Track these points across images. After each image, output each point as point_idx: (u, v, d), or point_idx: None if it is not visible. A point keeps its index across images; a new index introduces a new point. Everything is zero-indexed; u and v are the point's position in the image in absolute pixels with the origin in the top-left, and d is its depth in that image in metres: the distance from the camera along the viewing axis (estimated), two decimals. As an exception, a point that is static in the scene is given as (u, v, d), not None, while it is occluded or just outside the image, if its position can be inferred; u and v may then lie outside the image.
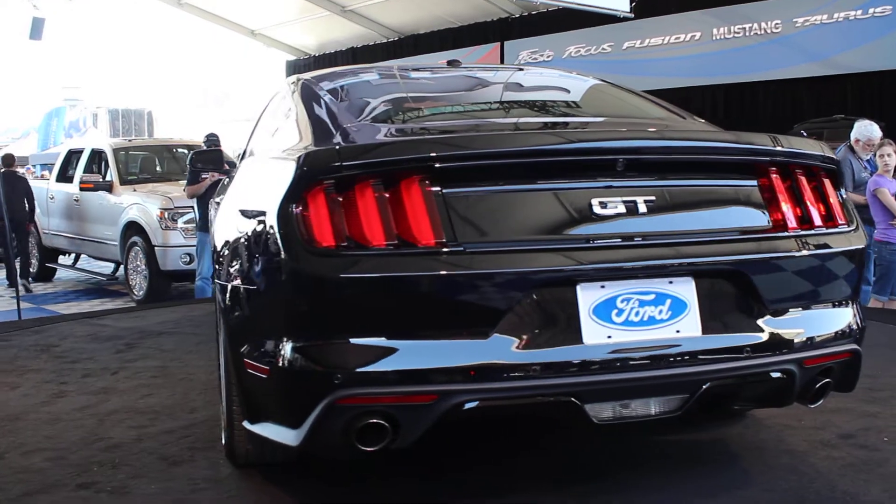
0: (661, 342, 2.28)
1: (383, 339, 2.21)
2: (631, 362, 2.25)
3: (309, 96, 3.11)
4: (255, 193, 2.61)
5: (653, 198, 2.35)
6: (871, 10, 11.68)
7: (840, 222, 2.59)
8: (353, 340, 2.22)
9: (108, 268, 10.35)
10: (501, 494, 2.71)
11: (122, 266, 9.06)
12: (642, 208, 2.32)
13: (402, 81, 3.42)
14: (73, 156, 10.49)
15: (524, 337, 2.22)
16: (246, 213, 2.60)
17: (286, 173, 2.30)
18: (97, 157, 9.85)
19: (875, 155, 6.37)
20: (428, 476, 2.90)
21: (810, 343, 2.47)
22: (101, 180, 9.20)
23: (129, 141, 11.42)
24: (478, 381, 2.20)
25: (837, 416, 3.43)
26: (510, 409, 2.30)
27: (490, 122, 2.90)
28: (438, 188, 2.24)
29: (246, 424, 2.57)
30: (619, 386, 2.27)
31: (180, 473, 2.95)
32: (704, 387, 2.33)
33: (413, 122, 2.89)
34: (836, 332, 2.54)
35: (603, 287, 2.26)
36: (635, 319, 2.27)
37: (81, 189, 9.31)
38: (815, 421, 3.37)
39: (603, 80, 3.60)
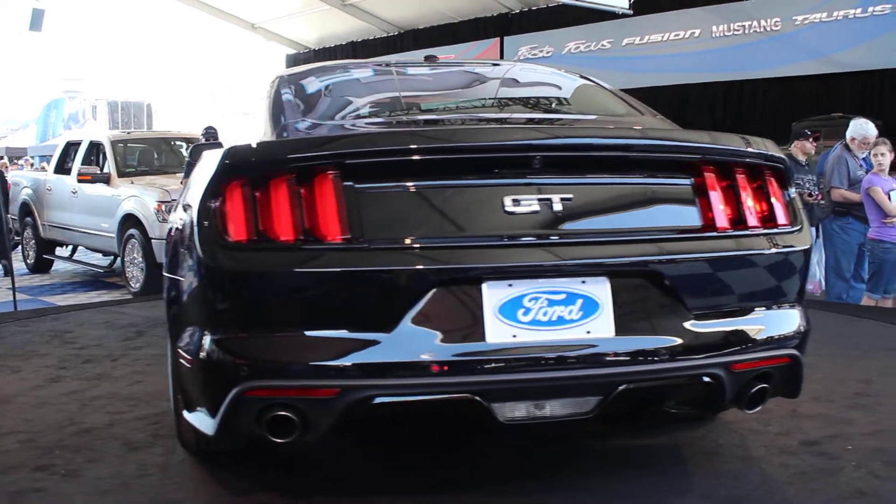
0: (570, 343, 2.24)
1: (289, 332, 2.25)
2: (536, 362, 2.23)
3: (277, 93, 3.15)
4: (191, 188, 2.67)
5: (570, 196, 2.32)
6: (870, 9, 11.50)
7: (781, 223, 2.51)
8: (260, 333, 2.26)
9: (105, 260, 10.43)
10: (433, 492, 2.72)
11: (118, 258, 9.04)
12: (558, 206, 2.29)
13: (368, 79, 3.44)
14: (71, 148, 10.37)
15: (428, 334, 2.22)
16: (184, 207, 2.66)
17: (211, 169, 2.35)
18: (95, 149, 9.74)
19: (870, 153, 6.30)
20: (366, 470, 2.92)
21: (739, 347, 2.41)
22: (98, 172, 9.09)
23: (128, 133, 11.31)
24: (380, 377, 2.21)
25: (809, 421, 3.33)
26: (415, 407, 2.30)
27: (430, 118, 2.89)
28: (350, 185, 2.26)
29: (184, 413, 2.64)
30: (525, 386, 2.25)
31: (135, 459, 3.03)
32: (620, 389, 2.29)
33: (357, 118, 2.90)
34: (771, 337, 2.47)
35: (510, 286, 2.24)
36: (543, 319, 2.24)
37: (79, 181, 9.21)
38: (783, 426, 3.28)
39: (581, 77, 3.55)
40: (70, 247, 10.76)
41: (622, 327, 2.28)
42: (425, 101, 3.10)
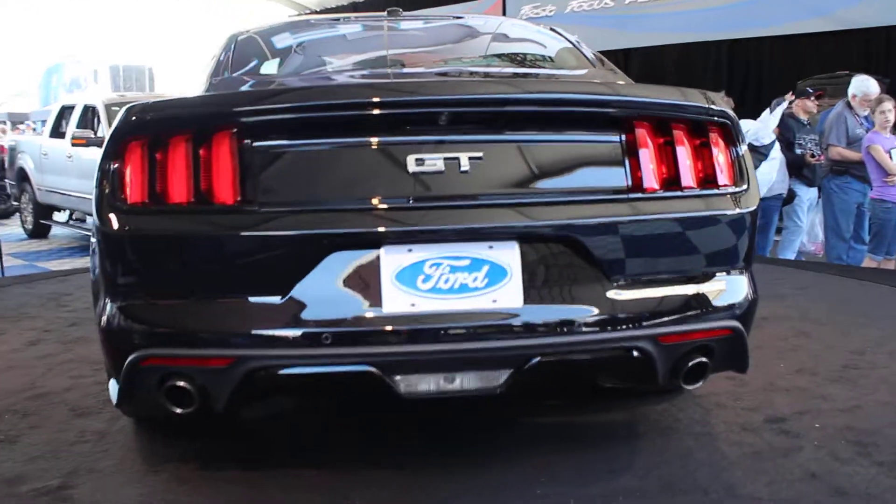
0: (472, 312, 2.10)
1: (181, 299, 2.15)
2: (436, 333, 2.09)
3: (221, 50, 3.04)
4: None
5: (479, 154, 2.16)
6: (877, -37, 10.84)
7: (723, 183, 2.31)
8: (154, 300, 2.17)
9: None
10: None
11: None
12: (465, 166, 2.14)
13: (317, 35, 3.30)
14: (65, 111, 10.13)
15: (322, 302, 2.10)
16: None
17: (112, 128, 2.26)
18: (89, 112, 9.50)
19: (874, 111, 6.03)
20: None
21: (668, 319, 2.23)
22: (93, 136, 8.72)
23: (122, 96, 10.98)
24: (272, 347, 2.10)
25: (783, 396, 3.14)
26: (312, 379, 2.18)
27: (351, 74, 2.74)
28: (247, 144, 2.14)
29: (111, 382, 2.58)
30: (425, 359, 2.12)
31: (78, 426, 2.99)
32: (532, 362, 2.14)
33: (284, 76, 2.77)
34: (707, 307, 2.29)
35: (410, 251, 2.10)
36: (444, 287, 2.10)
37: (73, 145, 8.90)
38: (753, 400, 3.09)
39: (548, 31, 3.36)
40: (67, 211, 10.52)
41: (532, 296, 2.13)
42: (359, 58, 2.94)
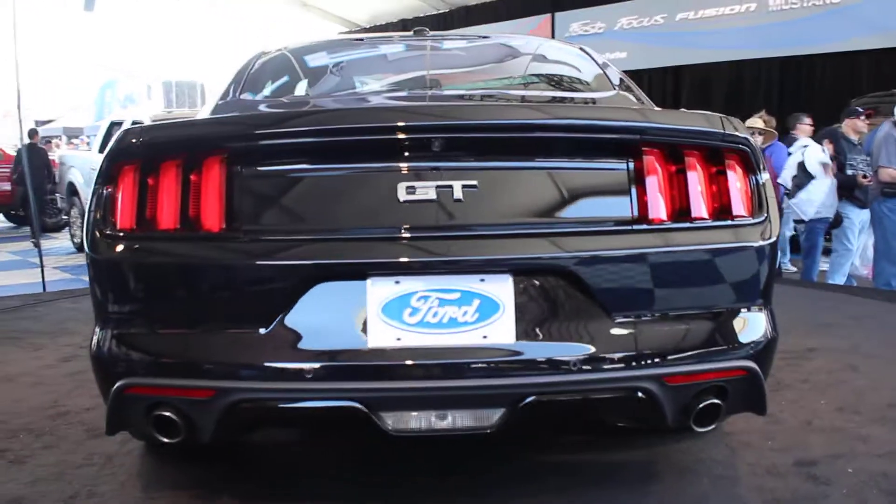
0: (461, 348, 2.00)
1: (164, 328, 2.11)
2: (422, 370, 2.00)
3: (239, 71, 3.02)
4: None
5: (474, 183, 2.06)
6: (935, -20, 10.27)
7: (739, 213, 2.17)
8: (139, 329, 2.14)
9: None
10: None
11: None
12: (458, 194, 2.04)
13: (335, 55, 3.25)
14: (114, 127, 10.07)
15: (307, 334, 2.03)
16: None
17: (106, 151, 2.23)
18: None
19: None
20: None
21: (675, 359, 2.10)
22: None
23: (169, 112, 11.08)
24: (255, 379, 2.04)
25: (818, 436, 2.96)
26: (297, 413, 2.11)
27: (357, 98, 2.68)
28: (234, 171, 2.09)
29: None
30: (411, 395, 2.03)
31: (88, 447, 2.98)
32: (527, 401, 2.03)
33: (279, 98, 2.72)
34: (718, 347, 2.15)
35: (398, 283, 2.02)
36: (432, 321, 2.01)
37: None
38: (785, 440, 2.91)
39: (580, 50, 3.25)
40: None
41: (525, 332, 2.02)
42: (372, 80, 2.88)
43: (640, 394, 2.08)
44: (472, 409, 2.07)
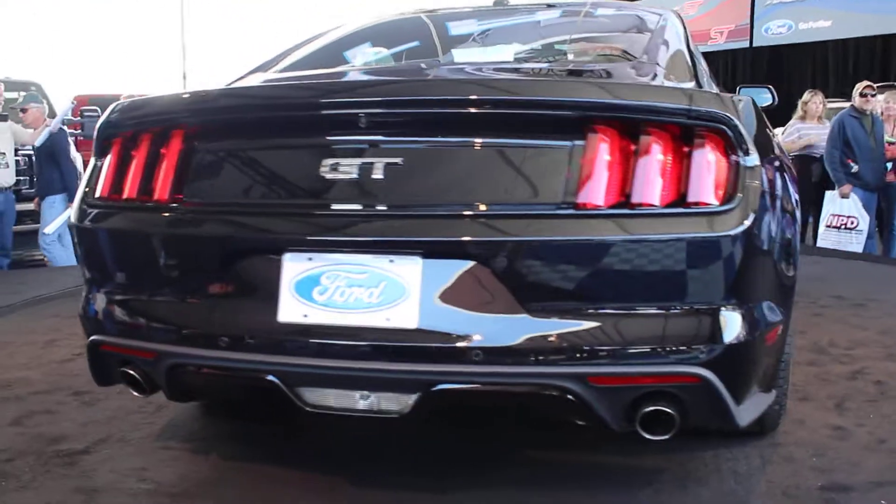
0: (362, 329, 1.96)
1: (121, 292, 2.26)
2: (324, 348, 1.98)
3: (295, 45, 3.13)
4: None
5: (399, 160, 1.99)
6: None
7: (702, 201, 1.91)
8: (102, 291, 2.30)
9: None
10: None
11: None
12: (381, 172, 1.99)
13: (383, 28, 3.24)
14: None
15: (229, 305, 2.10)
16: None
17: None
18: None
19: None
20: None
21: (600, 358, 1.91)
22: None
23: None
24: (185, 345, 2.13)
25: (883, 459, 2.55)
26: (228, 382, 2.18)
27: (338, 73, 2.64)
28: (190, 145, 2.20)
29: None
30: (316, 373, 2.01)
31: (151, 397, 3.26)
32: (439, 388, 1.95)
33: (280, 73, 2.75)
34: (659, 349, 1.92)
35: (310, 259, 2.01)
36: (339, 300, 1.98)
37: None
38: (836, 459, 2.55)
39: (636, 17, 3.00)
40: None
41: (430, 318, 1.93)
42: (380, 55, 2.83)
43: (559, 392, 1.92)
44: (384, 392, 2.02)
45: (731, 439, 2.65)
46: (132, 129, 2.26)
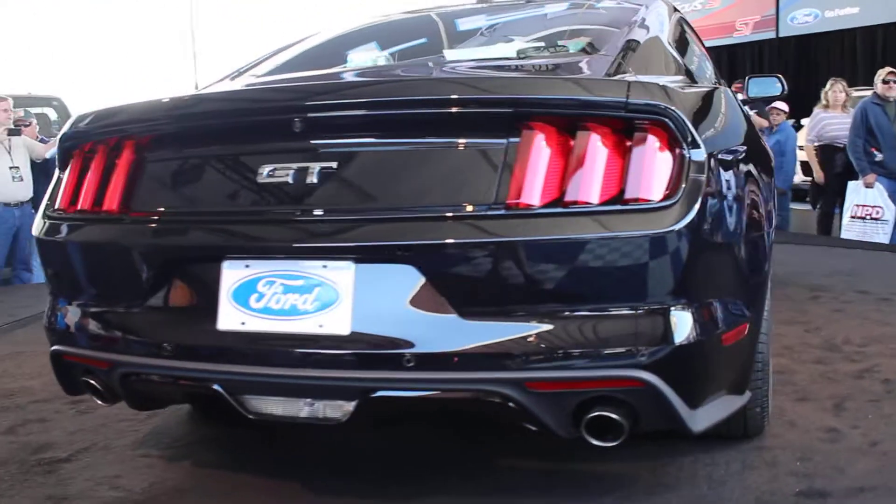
0: (297, 336, 1.93)
1: (76, 302, 2.29)
2: (265, 356, 1.96)
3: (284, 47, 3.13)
4: None
5: (334, 165, 1.97)
6: None
7: (636, 197, 1.85)
8: (61, 300, 2.33)
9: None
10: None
11: None
12: (316, 177, 1.96)
13: (372, 28, 3.22)
14: None
15: (172, 314, 2.11)
16: None
17: None
18: None
19: None
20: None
21: (539, 363, 1.85)
22: None
23: None
24: (136, 354, 2.13)
25: (872, 463, 2.43)
26: (177, 391, 2.18)
27: (308, 76, 2.61)
28: (137, 155, 2.21)
29: None
30: (260, 381, 1.99)
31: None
32: (378, 395, 1.92)
33: (261, 75, 2.74)
34: (598, 352, 1.85)
35: (247, 266, 1.99)
36: (275, 307, 1.96)
37: None
38: (826, 462, 2.45)
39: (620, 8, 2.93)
40: None
41: (363, 323, 1.90)
42: (355, 58, 2.79)
43: (498, 398, 1.87)
44: (320, 399, 1.99)
45: (715, 443, 2.56)
46: (88, 140, 2.28)
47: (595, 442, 1.95)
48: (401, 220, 1.90)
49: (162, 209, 2.13)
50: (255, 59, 2.97)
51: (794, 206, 8.51)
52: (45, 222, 2.31)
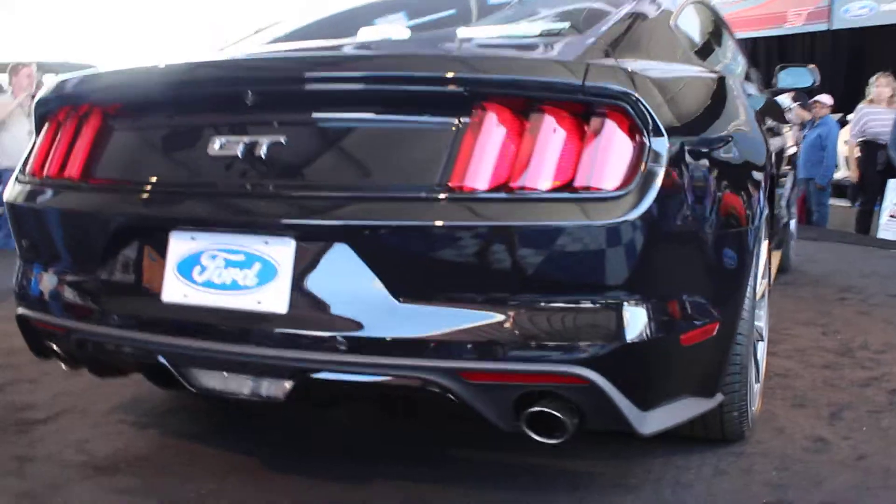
0: (235, 312, 1.89)
1: (36, 266, 2.28)
2: (205, 330, 1.93)
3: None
4: None
5: (282, 139, 1.91)
6: None
7: (594, 186, 1.75)
8: (26, 265, 2.33)
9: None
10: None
11: None
12: (263, 151, 1.91)
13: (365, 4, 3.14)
14: None
15: (124, 283, 2.08)
16: None
17: None
18: None
19: None
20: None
21: (476, 353, 1.77)
22: None
23: None
24: (88, 322, 2.12)
25: (851, 476, 2.30)
26: (129, 360, 2.16)
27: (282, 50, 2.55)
28: (99, 123, 2.20)
29: None
30: (201, 356, 1.96)
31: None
32: (312, 376, 1.88)
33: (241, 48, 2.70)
34: (542, 346, 1.77)
35: (193, 239, 1.96)
36: (217, 281, 1.92)
37: None
38: (802, 473, 2.32)
39: None
40: None
41: (299, 303, 1.85)
42: (343, 29, 2.71)
43: (433, 387, 1.80)
44: (258, 377, 1.95)
45: (695, 446, 2.46)
46: (59, 106, 2.26)
47: (538, 438, 1.87)
48: (341, 199, 1.84)
49: (118, 178, 2.11)
50: (258, 29, 2.93)
51: (834, 202, 8.21)
52: (15, 187, 2.31)
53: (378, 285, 1.80)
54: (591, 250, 1.73)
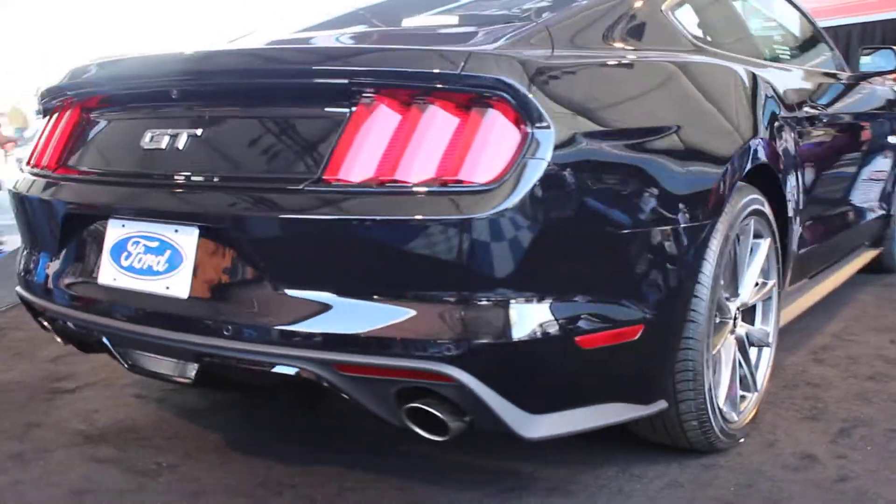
0: (148, 296, 2.01)
1: (26, 249, 2.49)
2: (128, 312, 2.06)
3: None
4: None
5: (199, 132, 2.01)
6: None
7: (465, 179, 1.71)
8: (23, 246, 2.55)
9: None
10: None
11: None
12: (182, 143, 2.02)
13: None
14: None
15: (72, 266, 2.26)
16: None
17: None
18: None
19: None
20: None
21: (345, 345, 1.78)
22: None
23: None
24: (53, 302, 2.30)
25: (808, 495, 2.11)
26: (85, 340, 2.31)
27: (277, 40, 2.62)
28: (72, 115, 2.37)
29: None
30: (128, 336, 2.09)
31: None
32: (206, 360, 1.97)
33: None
34: (413, 342, 1.75)
35: (123, 226, 2.09)
36: (137, 266, 2.04)
37: None
38: (743, 494, 2.15)
39: None
40: None
41: (198, 289, 1.93)
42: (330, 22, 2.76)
43: (312, 377, 1.83)
44: (177, 360, 2.06)
45: (663, 455, 2.34)
46: (50, 100, 2.46)
47: (424, 434, 1.86)
48: (234, 189, 1.91)
49: (78, 168, 2.28)
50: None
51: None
52: (17, 178, 2.54)
53: (258, 275, 1.86)
54: (461, 246, 1.69)
